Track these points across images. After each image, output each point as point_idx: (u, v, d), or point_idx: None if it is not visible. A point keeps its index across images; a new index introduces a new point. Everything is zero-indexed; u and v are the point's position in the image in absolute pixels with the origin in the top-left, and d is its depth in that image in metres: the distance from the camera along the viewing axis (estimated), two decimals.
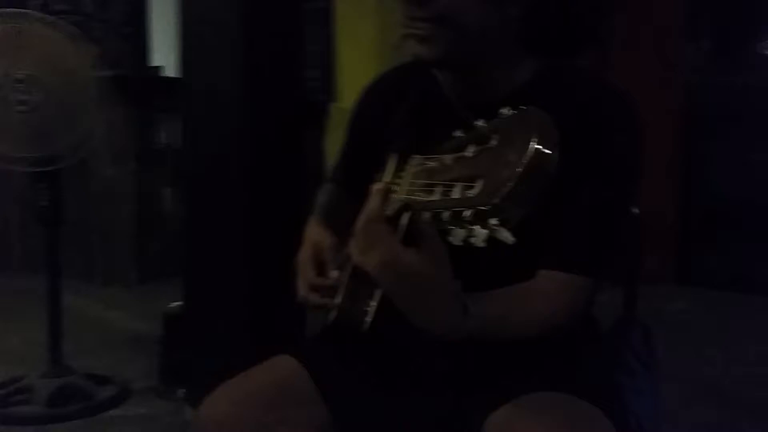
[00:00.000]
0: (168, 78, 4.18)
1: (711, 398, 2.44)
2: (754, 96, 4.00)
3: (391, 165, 0.95)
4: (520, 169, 0.50)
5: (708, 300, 3.73)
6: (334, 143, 4.94)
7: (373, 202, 0.71)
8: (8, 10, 1.71)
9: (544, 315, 0.84)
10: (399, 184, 0.70)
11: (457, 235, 0.56)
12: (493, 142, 0.54)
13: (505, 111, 0.56)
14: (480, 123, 0.58)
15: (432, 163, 0.62)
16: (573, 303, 0.85)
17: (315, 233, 1.06)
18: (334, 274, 0.94)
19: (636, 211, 1.00)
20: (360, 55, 5.02)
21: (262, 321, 1.99)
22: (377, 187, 0.72)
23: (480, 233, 0.54)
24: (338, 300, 0.92)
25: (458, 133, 0.61)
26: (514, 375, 0.85)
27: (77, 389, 2.20)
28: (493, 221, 0.53)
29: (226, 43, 1.89)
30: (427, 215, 0.59)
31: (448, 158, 0.59)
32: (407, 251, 0.68)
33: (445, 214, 0.56)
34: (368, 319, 0.87)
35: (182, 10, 2.00)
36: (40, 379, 2.19)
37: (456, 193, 0.55)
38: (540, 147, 0.51)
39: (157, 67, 4.72)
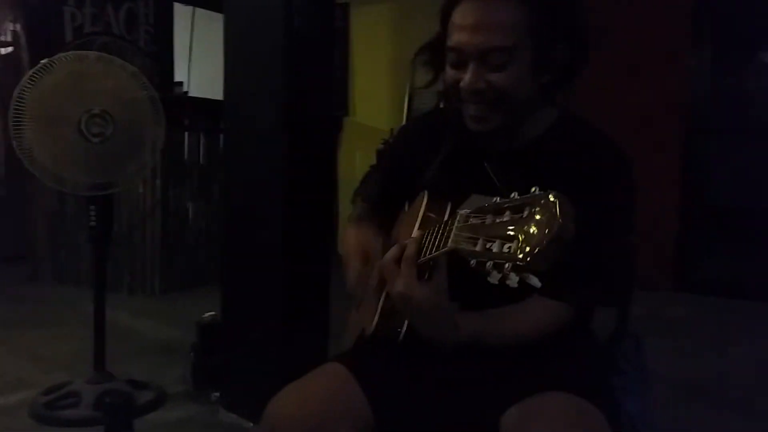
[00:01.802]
0: (193, 97, 4.39)
1: (707, 399, 2.58)
2: (755, 103, 4.13)
3: (421, 199, 1.13)
4: (547, 239, 0.70)
5: (705, 306, 3.87)
6: (347, 153, 5.14)
7: (410, 247, 0.95)
8: (69, 53, 1.90)
9: (529, 333, 1.06)
10: (443, 230, 0.89)
11: (495, 277, 0.76)
12: (526, 213, 0.73)
13: (534, 189, 0.75)
14: (515, 195, 0.77)
15: (474, 221, 0.81)
16: (555, 326, 1.07)
17: (358, 232, 1.27)
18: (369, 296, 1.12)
19: (632, 241, 1.18)
20: (373, 73, 5.22)
21: (293, 329, 2.15)
22: (415, 235, 0.95)
23: (514, 278, 0.74)
24: (375, 318, 1.11)
25: (497, 200, 0.79)
26: (525, 378, 1.03)
27: (119, 394, 2.36)
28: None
29: (268, 72, 2.06)
30: (473, 261, 0.78)
31: (488, 218, 0.78)
32: (420, 286, 0.95)
33: (489, 264, 0.76)
34: (402, 332, 1.06)
35: (228, 41, 2.17)
36: (85, 384, 2.35)
37: (496, 248, 0.75)
38: (562, 222, 0.70)
39: (180, 84, 4.93)
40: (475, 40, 1.01)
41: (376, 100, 5.20)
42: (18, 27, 4.41)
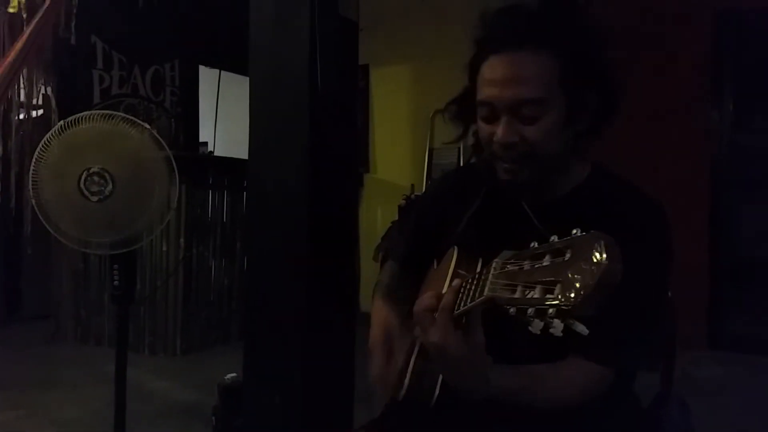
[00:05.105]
0: (218, 157, 4.45)
1: None
2: None
3: (450, 256, 1.10)
4: (595, 280, 0.65)
5: (741, 364, 3.73)
6: (367, 210, 5.13)
7: (448, 297, 0.88)
8: (97, 111, 1.93)
9: (563, 395, 0.98)
10: (478, 281, 0.84)
11: (537, 326, 0.70)
12: (568, 256, 0.69)
13: (576, 231, 0.71)
14: (554, 239, 0.72)
15: (512, 267, 0.76)
16: (591, 389, 0.99)
17: (383, 315, 1.20)
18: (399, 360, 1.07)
19: (670, 299, 1.13)
20: (393, 131, 5.26)
21: (316, 392, 2.10)
22: (455, 284, 0.89)
23: (559, 325, 0.69)
24: (407, 379, 1.06)
25: (534, 245, 0.75)
26: None
27: None
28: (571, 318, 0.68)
29: (292, 132, 2.07)
30: (512, 310, 0.73)
31: (527, 264, 0.74)
32: (455, 338, 0.88)
33: (530, 311, 0.70)
34: (436, 394, 1.00)
35: (254, 102, 2.19)
36: None
37: (537, 294, 0.70)
38: (609, 263, 0.65)
39: (205, 144, 5.01)
40: (506, 93, 1.00)
41: (396, 157, 5.23)
42: (48, 90, 4.53)
